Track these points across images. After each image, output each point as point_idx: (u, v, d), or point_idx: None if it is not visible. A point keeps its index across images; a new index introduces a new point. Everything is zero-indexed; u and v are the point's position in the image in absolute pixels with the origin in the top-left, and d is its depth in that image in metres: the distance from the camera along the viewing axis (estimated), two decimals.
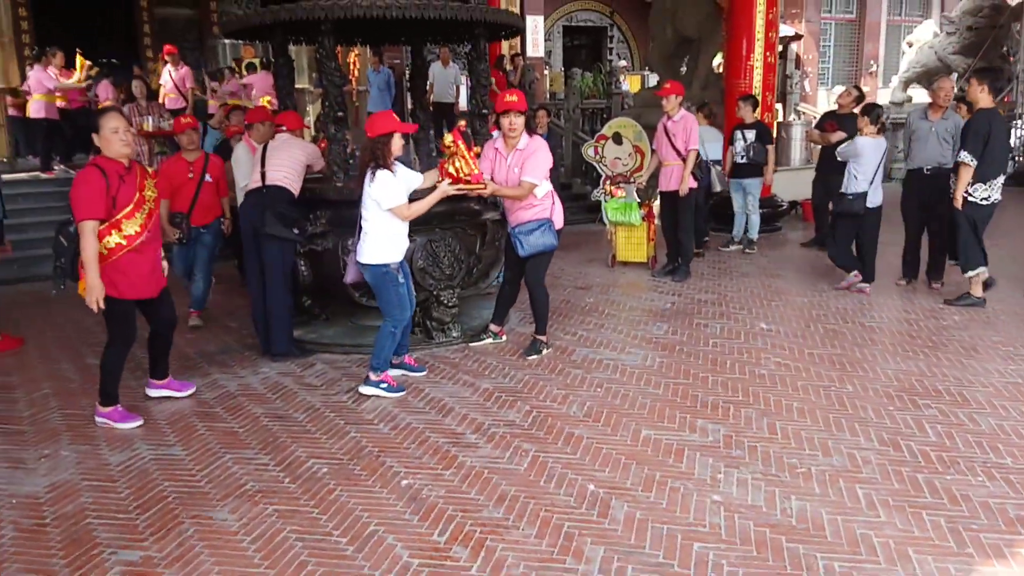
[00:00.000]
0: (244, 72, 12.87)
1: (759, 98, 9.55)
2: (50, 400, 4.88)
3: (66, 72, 11.04)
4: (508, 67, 14.19)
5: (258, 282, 5.49)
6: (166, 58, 12.10)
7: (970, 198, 6.16)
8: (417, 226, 5.60)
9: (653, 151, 7.91)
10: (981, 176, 6.09)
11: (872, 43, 21.22)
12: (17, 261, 8.17)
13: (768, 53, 10.33)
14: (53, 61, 10.87)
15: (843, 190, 6.88)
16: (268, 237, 5.29)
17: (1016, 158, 13.69)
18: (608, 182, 11.41)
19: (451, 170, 4.95)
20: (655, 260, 8.24)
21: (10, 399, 4.91)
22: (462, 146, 4.96)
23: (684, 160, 7.41)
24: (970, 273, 6.41)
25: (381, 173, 4.55)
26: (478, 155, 5.33)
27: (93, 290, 4.11)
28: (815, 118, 12.00)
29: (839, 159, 7.13)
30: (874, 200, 6.78)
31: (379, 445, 4.08)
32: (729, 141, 9.01)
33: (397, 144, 4.60)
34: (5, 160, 10.76)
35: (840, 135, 8.62)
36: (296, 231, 5.36)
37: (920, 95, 16.99)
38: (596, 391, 4.72)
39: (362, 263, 4.74)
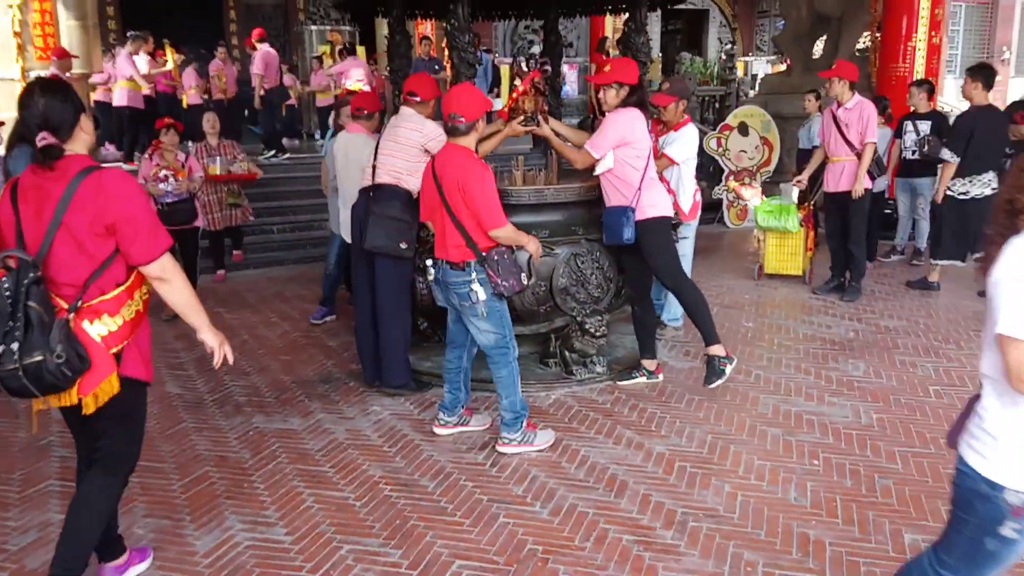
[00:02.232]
0: (337, 58, 12.08)
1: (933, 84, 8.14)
2: None
3: (152, 62, 10.41)
4: (614, 51, 13.04)
5: (367, 301, 4.54)
6: (254, 43, 11.40)
7: (948, 192, 6.35)
8: (558, 237, 4.59)
9: (817, 146, 6.68)
10: (960, 171, 6.29)
11: (1005, 28, 19.20)
12: None
13: (933, 33, 8.93)
14: (143, 47, 10.25)
15: None
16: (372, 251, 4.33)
17: None
18: (732, 178, 10.25)
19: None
20: (812, 273, 7.02)
21: None
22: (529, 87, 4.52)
23: (859, 156, 6.18)
24: (937, 262, 6.57)
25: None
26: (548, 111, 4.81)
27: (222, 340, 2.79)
28: (953, 110, 10.53)
29: None
30: None
31: (541, 540, 3.05)
32: (896, 133, 7.68)
33: None
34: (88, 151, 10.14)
35: None
36: (404, 244, 4.32)
37: None
38: (812, 465, 3.59)
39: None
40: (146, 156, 6.24)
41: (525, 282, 3.72)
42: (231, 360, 2.79)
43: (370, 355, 4.60)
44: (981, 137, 6.24)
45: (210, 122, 7.23)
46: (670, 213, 4.52)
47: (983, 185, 6.36)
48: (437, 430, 4.06)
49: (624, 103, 4.28)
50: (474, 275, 3.61)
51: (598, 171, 4.33)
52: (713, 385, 4.30)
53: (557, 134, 4.59)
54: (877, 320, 5.80)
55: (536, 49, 12.53)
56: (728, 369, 4.35)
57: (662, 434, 3.97)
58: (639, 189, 4.26)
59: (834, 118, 6.34)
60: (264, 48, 10.95)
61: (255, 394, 4.72)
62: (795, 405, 4.28)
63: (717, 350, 4.37)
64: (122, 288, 2.49)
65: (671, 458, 3.69)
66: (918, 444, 3.77)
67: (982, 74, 6.30)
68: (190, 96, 12.54)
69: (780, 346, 5.27)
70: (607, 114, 4.34)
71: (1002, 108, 6.81)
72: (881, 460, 3.61)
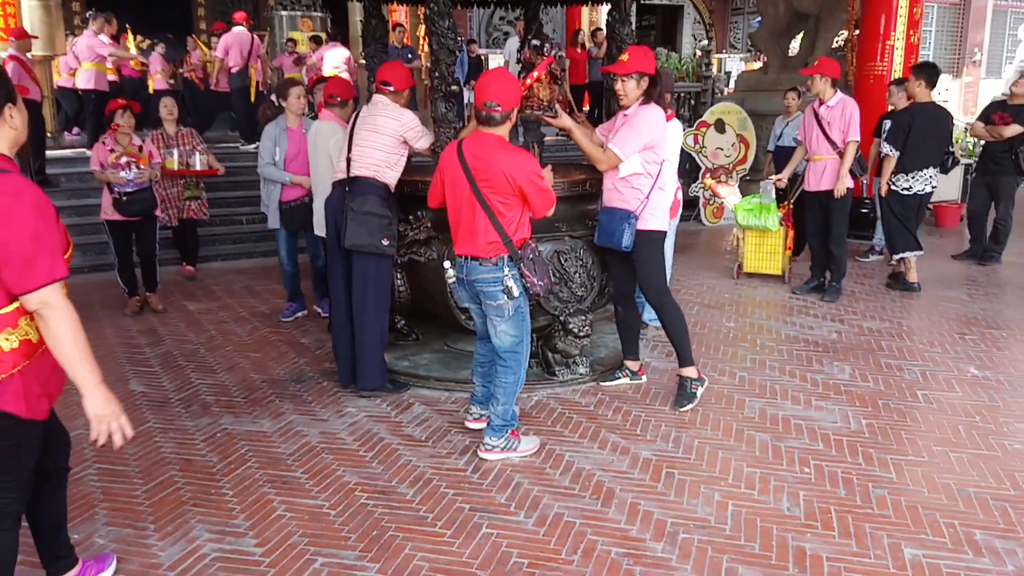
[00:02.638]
0: (310, 46, 11.82)
1: None
2: None
3: (115, 45, 10.05)
4: (590, 44, 12.91)
5: (343, 299, 4.35)
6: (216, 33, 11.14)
7: (892, 187, 6.56)
8: (540, 234, 4.43)
9: (799, 141, 6.60)
10: (902, 167, 6.51)
11: (977, 29, 19.41)
12: None
13: (912, 32, 8.90)
14: (107, 28, 9.88)
15: None
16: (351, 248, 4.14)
17: None
18: (708, 175, 10.17)
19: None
20: (791, 273, 6.96)
21: None
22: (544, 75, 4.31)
23: (841, 154, 6.11)
24: (897, 256, 6.68)
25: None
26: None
27: (109, 413, 2.26)
28: None
29: None
30: None
31: (526, 553, 2.91)
32: (874, 132, 7.64)
33: None
34: (51, 135, 9.76)
35: (1016, 129, 7.26)
36: (386, 242, 4.15)
37: None
38: (803, 473, 3.49)
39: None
40: (100, 141, 5.80)
41: (549, 278, 3.57)
42: (118, 442, 2.23)
43: (346, 356, 4.42)
44: (919, 133, 6.41)
45: (167, 107, 6.51)
46: (667, 227, 4.37)
47: (924, 181, 6.55)
48: (470, 424, 3.95)
49: (647, 97, 4.02)
50: (507, 271, 3.43)
51: (623, 173, 4.05)
52: (684, 408, 4.18)
53: None
54: (859, 321, 5.73)
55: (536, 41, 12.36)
56: (699, 392, 4.26)
57: (648, 438, 3.84)
58: (647, 197, 4.07)
59: (816, 116, 6.26)
60: (234, 30, 10.50)
61: (223, 393, 4.51)
62: (782, 409, 4.18)
63: (690, 372, 4.28)
64: (11, 308, 2.13)
65: (658, 464, 3.56)
66: (910, 451, 3.68)
67: (926, 72, 6.50)
68: (156, 81, 12.21)
69: (763, 347, 5.18)
70: (634, 111, 4.02)
71: (977, 109, 6.82)
72: (874, 468, 3.52)
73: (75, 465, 3.18)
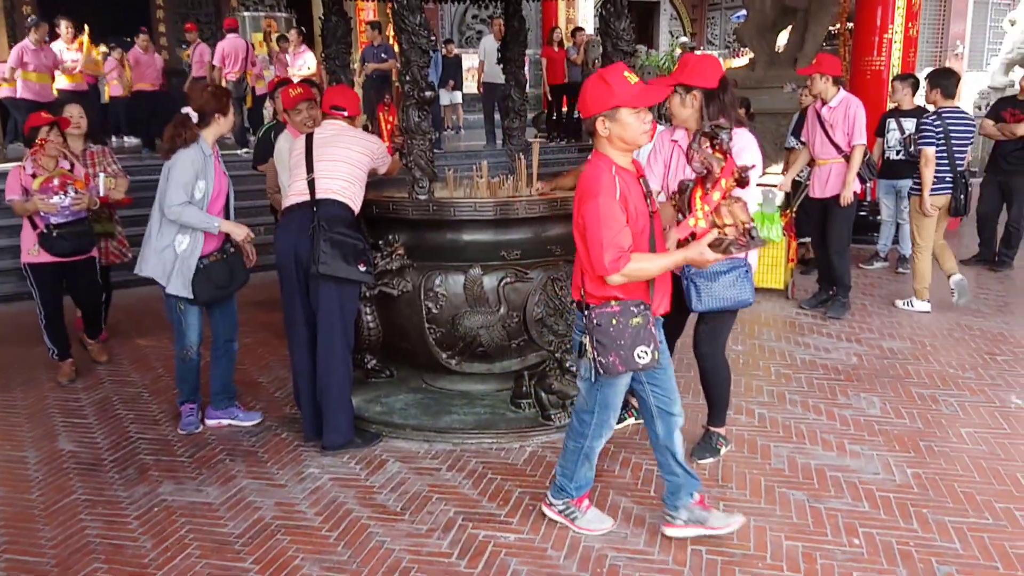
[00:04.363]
0: (277, 45, 11.20)
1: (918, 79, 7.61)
2: None
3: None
4: (568, 43, 12.35)
5: (306, 339, 3.75)
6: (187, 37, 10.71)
7: (798, 178, 6.33)
8: (532, 258, 3.88)
9: (803, 143, 6.08)
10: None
11: (959, 22, 19.11)
12: None
13: (910, 24, 8.45)
14: (62, 34, 9.23)
15: None
16: (322, 277, 3.55)
17: None
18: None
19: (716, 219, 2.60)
20: (794, 287, 6.44)
21: None
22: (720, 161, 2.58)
23: (847, 158, 5.60)
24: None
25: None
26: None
27: None
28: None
29: None
30: None
31: None
32: (878, 132, 7.15)
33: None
34: None
35: None
36: (363, 268, 3.61)
37: None
38: (853, 547, 2.92)
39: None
40: (19, 166, 4.63)
41: (645, 359, 2.64)
42: None
43: (310, 406, 3.81)
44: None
45: (75, 118, 4.99)
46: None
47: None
48: (667, 531, 3.01)
49: (706, 117, 3.24)
50: (583, 339, 2.75)
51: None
52: (704, 461, 3.62)
53: None
54: (878, 341, 5.22)
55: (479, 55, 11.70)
56: (723, 450, 3.71)
57: (662, 500, 3.27)
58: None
59: (818, 117, 5.75)
60: (229, 37, 10.40)
61: (165, 451, 3.88)
62: (813, 457, 3.63)
63: (719, 430, 3.74)
64: None
65: (680, 539, 2.99)
66: (970, 511, 3.14)
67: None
68: (112, 88, 11.50)
69: (779, 376, 4.64)
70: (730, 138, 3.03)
71: (959, 103, 6.31)
72: (933, 535, 2.98)
73: None
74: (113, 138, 11.67)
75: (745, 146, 3.30)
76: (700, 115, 3.31)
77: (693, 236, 2.61)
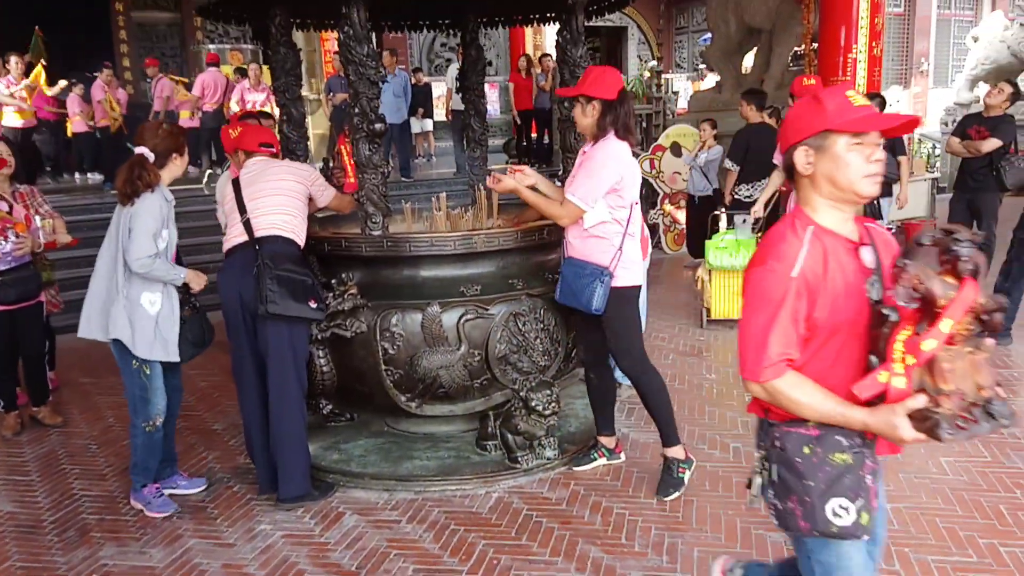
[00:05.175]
0: (232, 76, 11.09)
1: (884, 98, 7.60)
2: None
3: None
4: (536, 70, 12.30)
5: (256, 388, 3.55)
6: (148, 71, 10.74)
7: (735, 196, 6.98)
8: (493, 293, 3.73)
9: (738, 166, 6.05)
10: (744, 178, 6.94)
11: (922, 39, 19.38)
12: None
13: (874, 43, 8.47)
14: (12, 69, 9.08)
15: None
16: (271, 317, 3.36)
17: None
18: (667, 201, 9.58)
19: None
20: None
21: None
22: None
23: None
24: None
25: None
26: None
27: None
28: None
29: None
30: None
31: None
32: None
33: None
34: None
35: (995, 143, 6.75)
36: (314, 304, 3.43)
37: None
38: None
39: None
40: None
41: (844, 520, 1.76)
42: None
43: (264, 457, 3.61)
44: (755, 150, 6.69)
45: (3, 155, 4.46)
46: (643, 280, 3.68)
47: (761, 189, 6.62)
48: None
49: (601, 127, 3.33)
50: (760, 454, 1.93)
51: (588, 224, 3.33)
52: (670, 497, 3.47)
53: (534, 188, 3.51)
54: None
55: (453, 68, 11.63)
56: (687, 476, 3.56)
57: (636, 549, 3.10)
58: (620, 248, 3.36)
59: None
60: (210, 70, 10.85)
61: (110, 509, 3.66)
62: None
63: (676, 452, 3.57)
64: None
65: None
66: (953, 548, 2.99)
67: (755, 98, 7.06)
68: (75, 123, 11.27)
69: None
70: (592, 147, 3.36)
71: (922, 118, 6.47)
72: None
73: None
74: (76, 174, 11.45)
75: (610, 155, 3.29)
76: (596, 125, 3.34)
77: (884, 396, 1.67)
